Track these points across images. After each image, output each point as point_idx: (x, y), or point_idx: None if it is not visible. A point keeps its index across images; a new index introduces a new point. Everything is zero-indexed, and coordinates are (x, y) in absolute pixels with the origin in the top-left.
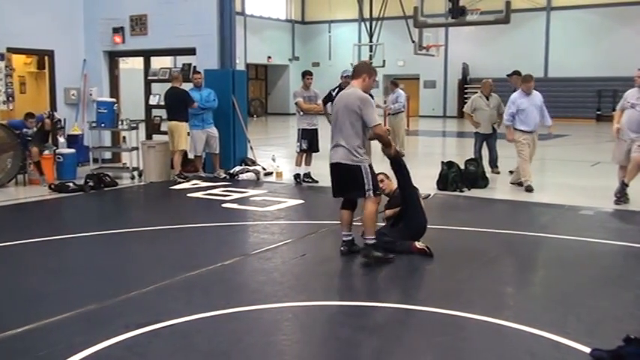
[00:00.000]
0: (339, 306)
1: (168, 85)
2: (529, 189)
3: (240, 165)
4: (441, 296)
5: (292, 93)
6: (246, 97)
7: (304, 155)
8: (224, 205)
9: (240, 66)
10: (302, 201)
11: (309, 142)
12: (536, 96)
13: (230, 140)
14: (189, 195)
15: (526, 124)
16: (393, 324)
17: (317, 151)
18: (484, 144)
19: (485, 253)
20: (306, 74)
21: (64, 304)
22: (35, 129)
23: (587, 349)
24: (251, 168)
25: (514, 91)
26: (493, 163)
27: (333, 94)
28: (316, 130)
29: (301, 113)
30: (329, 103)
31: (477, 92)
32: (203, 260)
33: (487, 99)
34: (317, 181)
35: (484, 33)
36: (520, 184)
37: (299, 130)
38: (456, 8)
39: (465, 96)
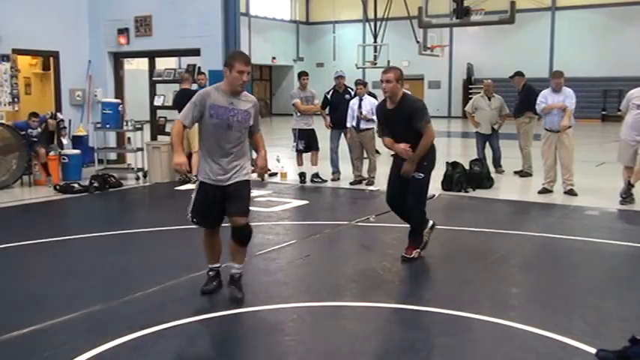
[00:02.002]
0: (344, 307)
1: (173, 86)
2: (541, 191)
3: None
4: (446, 297)
5: (289, 94)
6: None
7: (310, 155)
8: None
9: None
10: (306, 202)
11: (305, 142)
12: (565, 94)
13: None
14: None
15: (547, 122)
16: (398, 324)
17: (317, 149)
18: (487, 144)
19: (491, 253)
20: (302, 75)
21: (69, 304)
22: (39, 129)
23: (593, 350)
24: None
25: (518, 92)
26: (496, 162)
27: (329, 97)
28: (313, 130)
29: (298, 114)
30: (327, 107)
31: (480, 92)
32: None
33: (489, 99)
34: (326, 180)
35: (489, 33)
36: (521, 172)
37: (295, 130)
38: (461, 8)
39: (470, 96)
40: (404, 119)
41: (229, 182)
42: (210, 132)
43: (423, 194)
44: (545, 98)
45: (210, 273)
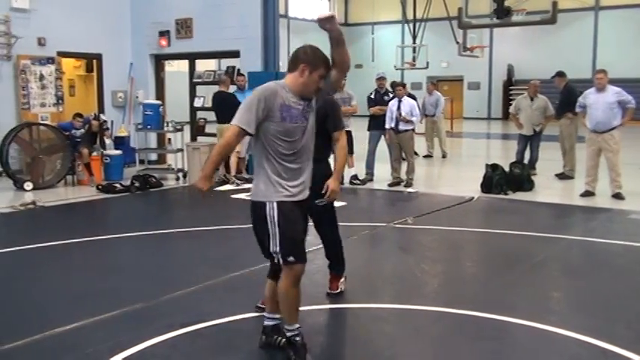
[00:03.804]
0: (381, 308)
1: (213, 88)
2: (583, 194)
3: None
4: (485, 300)
5: None
6: None
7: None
8: None
9: (283, 68)
10: (344, 203)
11: None
12: (610, 93)
13: None
14: (232, 196)
15: (589, 122)
16: (436, 328)
17: (351, 152)
18: (527, 145)
19: (531, 257)
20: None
21: (111, 302)
22: (83, 130)
23: (637, 357)
24: None
25: (561, 92)
26: (531, 164)
27: (372, 97)
28: (349, 132)
29: None
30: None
31: (522, 93)
32: (246, 261)
33: (532, 100)
34: (365, 182)
35: (530, 33)
36: (562, 175)
37: None
38: (501, 9)
39: (510, 97)
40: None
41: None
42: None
43: (335, 218)
44: (585, 98)
45: (297, 338)
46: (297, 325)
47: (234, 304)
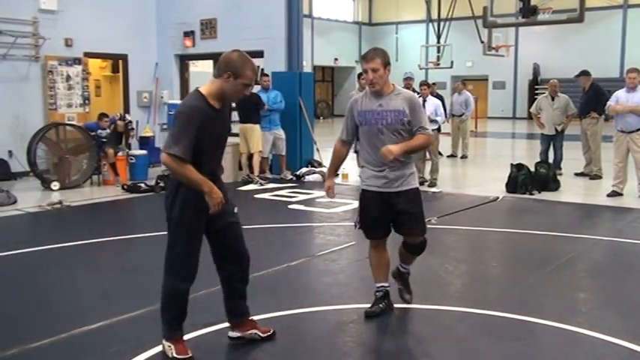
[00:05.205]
0: (406, 308)
1: None
2: (610, 194)
3: (307, 166)
4: (510, 301)
5: (349, 95)
6: (313, 99)
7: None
8: (290, 207)
9: (307, 68)
10: None
11: None
12: (638, 93)
13: (297, 142)
14: (256, 196)
15: (618, 123)
16: (461, 327)
17: None
18: (550, 145)
19: (557, 257)
20: (362, 75)
21: (135, 301)
22: (108, 130)
23: None
24: (317, 169)
25: (583, 90)
26: (556, 163)
27: None
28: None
29: None
30: None
31: (545, 93)
32: (269, 261)
33: (552, 99)
34: None
35: (556, 32)
36: (583, 174)
37: None
38: (527, 7)
39: (536, 97)
40: (229, 123)
41: (395, 190)
42: (364, 140)
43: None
44: (617, 98)
45: (377, 293)
46: (380, 284)
47: (256, 303)
